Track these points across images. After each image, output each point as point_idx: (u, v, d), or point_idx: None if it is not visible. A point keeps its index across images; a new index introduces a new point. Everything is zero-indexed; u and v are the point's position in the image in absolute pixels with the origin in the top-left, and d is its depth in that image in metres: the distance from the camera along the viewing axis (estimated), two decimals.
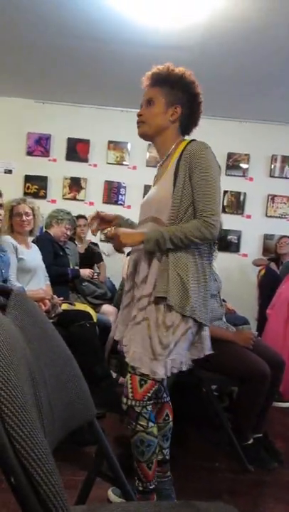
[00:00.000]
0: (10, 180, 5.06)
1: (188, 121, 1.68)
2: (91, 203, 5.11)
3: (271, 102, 4.45)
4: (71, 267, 3.47)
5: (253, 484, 1.99)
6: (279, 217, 5.16)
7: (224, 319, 2.40)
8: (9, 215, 2.78)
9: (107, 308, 3.51)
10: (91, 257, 4.22)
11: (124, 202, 5.17)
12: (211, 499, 1.81)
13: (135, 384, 1.51)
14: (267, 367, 2.06)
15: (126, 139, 5.04)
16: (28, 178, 5.15)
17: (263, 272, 4.45)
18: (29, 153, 5.15)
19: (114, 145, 5.15)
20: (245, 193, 5.15)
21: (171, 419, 1.77)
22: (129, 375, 1.53)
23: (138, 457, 1.54)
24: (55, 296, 2.77)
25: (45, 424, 0.81)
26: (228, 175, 5.07)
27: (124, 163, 5.17)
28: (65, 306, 2.87)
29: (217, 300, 2.33)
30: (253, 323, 4.18)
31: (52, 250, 3.23)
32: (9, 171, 5.16)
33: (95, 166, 5.19)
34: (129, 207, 5.08)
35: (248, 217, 5.17)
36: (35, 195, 4.99)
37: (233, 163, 5.14)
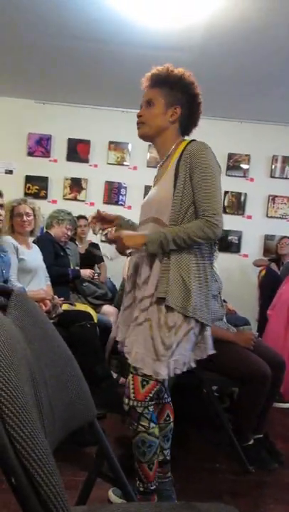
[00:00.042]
0: (10, 180, 5.06)
1: (187, 122, 1.68)
2: (92, 204, 5.11)
3: (272, 102, 4.45)
4: (72, 268, 3.47)
5: (254, 485, 1.99)
6: (280, 217, 5.16)
7: (225, 320, 2.40)
8: (10, 215, 2.78)
9: (108, 308, 3.51)
10: (92, 258, 4.22)
11: (124, 202, 5.17)
12: (211, 500, 1.81)
13: (137, 384, 1.51)
14: (267, 368, 2.06)
15: (126, 139, 5.04)
16: (29, 179, 5.16)
17: (263, 272, 4.44)
18: (30, 153, 5.15)
19: (115, 145, 5.15)
20: (245, 194, 5.15)
21: (172, 419, 1.77)
22: (131, 375, 1.53)
23: (139, 458, 1.54)
24: (55, 296, 2.77)
25: (46, 425, 0.81)
26: (229, 175, 5.07)
27: (125, 163, 5.17)
28: (65, 307, 2.87)
29: (218, 301, 2.33)
30: (254, 323, 4.18)
31: (52, 251, 3.23)
32: (10, 172, 5.16)
33: (96, 166, 5.19)
34: (129, 207, 5.08)
35: (249, 217, 5.17)
36: (36, 196, 4.99)
37: (234, 164, 5.14)
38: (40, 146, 5.15)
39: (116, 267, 4.24)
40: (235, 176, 5.12)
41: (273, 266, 4.55)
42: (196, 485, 1.94)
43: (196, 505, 0.97)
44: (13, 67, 4.23)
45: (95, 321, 2.82)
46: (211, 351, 1.60)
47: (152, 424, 1.53)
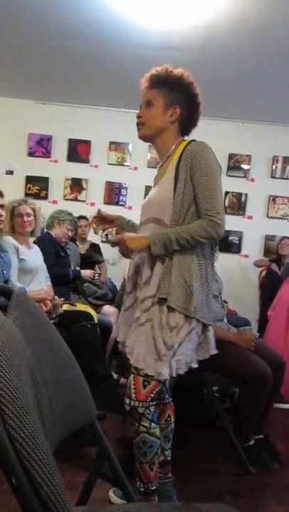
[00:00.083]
0: (11, 181, 5.07)
1: (187, 122, 1.68)
2: (92, 204, 5.12)
3: (272, 102, 4.45)
4: (72, 268, 3.47)
5: (254, 486, 1.99)
6: (280, 218, 5.15)
7: (225, 320, 2.40)
8: (10, 215, 2.78)
9: (108, 309, 3.51)
10: (92, 258, 4.23)
11: (125, 203, 5.17)
12: (212, 500, 1.80)
13: (138, 385, 1.51)
14: (268, 368, 2.06)
15: (127, 139, 5.04)
16: (30, 179, 5.16)
17: (264, 273, 4.44)
18: (30, 154, 5.16)
19: (116, 146, 5.15)
20: (246, 194, 5.15)
21: (172, 420, 1.77)
22: (132, 375, 1.53)
23: (140, 458, 1.54)
24: (56, 296, 2.78)
25: (46, 425, 0.81)
26: (229, 176, 5.07)
27: (126, 163, 5.17)
28: (66, 307, 2.87)
29: (218, 301, 2.33)
30: (254, 324, 4.18)
31: (53, 251, 3.23)
32: (10, 172, 5.17)
33: (96, 166, 5.19)
34: (130, 208, 5.08)
35: (250, 218, 5.17)
36: (37, 196, 5.00)
37: (234, 164, 5.13)
38: (41, 146, 5.15)
39: (116, 268, 4.26)
40: (235, 177, 5.12)
41: (274, 266, 4.54)
42: (196, 485, 1.94)
43: (196, 506, 0.96)
44: (14, 67, 4.23)
45: (96, 321, 2.82)
46: (214, 351, 1.61)
47: (153, 425, 1.53)
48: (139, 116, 1.66)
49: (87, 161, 5.18)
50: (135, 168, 5.17)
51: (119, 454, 1.92)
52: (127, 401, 1.53)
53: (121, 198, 5.18)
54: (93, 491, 1.20)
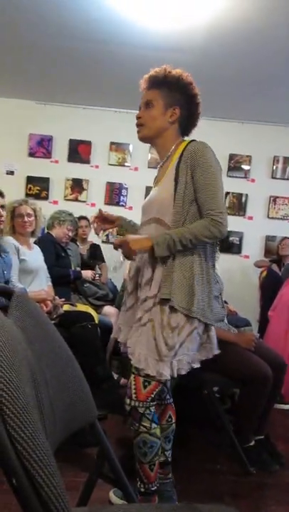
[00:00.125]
0: (12, 181, 5.07)
1: (187, 122, 1.68)
2: (93, 204, 5.12)
3: (273, 103, 4.45)
4: (73, 268, 3.48)
5: (255, 486, 1.98)
6: (281, 218, 5.15)
7: (226, 321, 2.40)
8: (11, 216, 2.78)
9: (109, 309, 3.51)
10: (93, 258, 4.23)
11: (125, 203, 5.17)
12: (212, 501, 1.80)
13: (139, 385, 1.51)
14: (269, 369, 2.06)
15: (128, 140, 5.05)
16: (30, 180, 5.16)
17: (264, 273, 4.44)
18: (31, 154, 5.16)
19: (116, 146, 5.15)
20: (246, 195, 5.15)
21: (174, 421, 1.77)
22: (132, 376, 1.53)
23: (140, 458, 1.54)
24: (56, 297, 2.78)
25: (47, 426, 0.81)
26: (230, 176, 5.07)
27: (126, 164, 5.18)
28: (66, 307, 2.87)
29: (219, 302, 2.33)
30: (255, 324, 4.18)
31: (54, 251, 3.23)
32: (11, 172, 5.17)
33: (97, 167, 5.19)
34: (130, 208, 5.08)
35: (250, 218, 5.17)
36: (37, 197, 5.00)
37: (235, 165, 5.14)
38: (42, 147, 5.16)
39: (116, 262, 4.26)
40: (236, 177, 5.12)
41: (274, 267, 4.54)
42: (197, 486, 1.94)
43: (197, 507, 0.96)
44: (14, 67, 4.24)
45: (96, 321, 2.82)
46: (217, 351, 1.61)
47: (154, 425, 1.53)
48: (138, 118, 1.66)
49: (87, 162, 5.18)
50: (136, 169, 5.17)
51: (119, 455, 1.92)
52: (128, 401, 1.53)
53: (121, 198, 5.18)
54: (94, 491, 1.20)
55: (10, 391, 0.62)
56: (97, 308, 3.40)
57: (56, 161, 5.19)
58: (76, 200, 5.17)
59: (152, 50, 3.40)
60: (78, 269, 3.64)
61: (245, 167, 5.15)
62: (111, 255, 4.35)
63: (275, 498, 1.90)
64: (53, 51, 3.73)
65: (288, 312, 3.23)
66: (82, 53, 3.71)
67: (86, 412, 1.04)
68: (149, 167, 5.06)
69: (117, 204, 5.15)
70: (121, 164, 5.18)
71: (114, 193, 5.18)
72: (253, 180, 5.17)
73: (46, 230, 3.51)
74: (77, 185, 5.18)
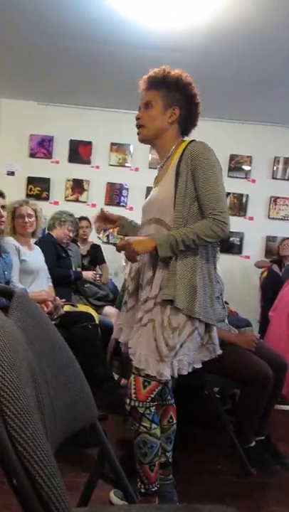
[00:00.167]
0: (12, 181, 5.07)
1: (186, 122, 1.68)
2: (93, 205, 5.12)
3: (273, 103, 4.45)
4: (73, 269, 3.48)
5: (256, 487, 1.98)
6: (281, 219, 5.15)
7: (226, 321, 2.40)
8: (12, 216, 2.78)
9: (109, 309, 3.51)
10: (93, 259, 4.23)
11: (126, 204, 5.17)
12: (213, 502, 1.80)
13: (139, 385, 1.51)
14: (269, 369, 2.06)
15: (128, 140, 5.05)
16: (31, 180, 5.16)
17: (265, 274, 4.44)
18: (32, 155, 5.16)
19: (117, 147, 5.16)
20: (247, 195, 5.15)
21: (175, 421, 1.77)
22: (132, 376, 1.53)
23: (140, 459, 1.54)
24: (57, 297, 2.78)
25: (47, 426, 0.81)
26: (231, 177, 5.07)
27: (127, 165, 5.18)
28: (67, 308, 2.87)
29: (219, 302, 2.33)
30: (256, 325, 4.17)
31: (54, 252, 3.24)
32: (12, 173, 5.17)
33: (98, 167, 5.19)
34: (131, 208, 5.08)
35: (251, 219, 5.17)
36: (38, 197, 5.00)
37: (236, 165, 5.13)
38: (42, 147, 5.16)
39: (117, 268, 4.25)
40: (236, 178, 5.12)
41: (275, 267, 4.54)
42: (197, 487, 1.94)
43: (197, 508, 0.96)
44: (14, 67, 4.24)
45: (97, 322, 2.82)
46: (219, 351, 1.62)
47: (154, 425, 1.53)
48: (138, 118, 1.66)
49: (88, 162, 5.18)
50: (136, 169, 5.17)
51: (120, 455, 1.92)
52: (127, 401, 1.53)
53: (122, 199, 5.18)
54: (94, 492, 1.20)
55: (10, 391, 0.62)
56: (98, 309, 3.40)
57: (57, 162, 5.19)
58: (77, 200, 5.17)
59: (152, 50, 3.40)
60: (79, 269, 3.64)
61: (246, 167, 5.15)
62: (112, 260, 4.34)
63: (276, 499, 1.90)
64: (53, 51, 3.73)
65: None
66: (82, 53, 3.71)
67: (86, 413, 1.04)
68: (149, 167, 5.05)
69: (118, 204, 5.15)
70: (121, 165, 5.18)
71: (115, 194, 5.19)
72: (253, 181, 5.17)
73: (47, 231, 3.51)
74: (77, 186, 5.18)
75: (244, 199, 5.14)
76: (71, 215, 3.51)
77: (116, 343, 2.77)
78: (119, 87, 4.28)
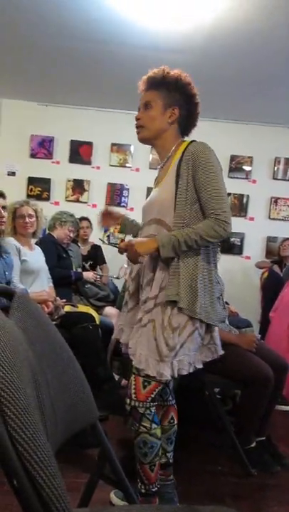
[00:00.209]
0: (13, 182, 5.07)
1: (186, 123, 1.68)
2: (94, 205, 5.12)
3: (274, 103, 4.44)
4: (74, 269, 3.48)
5: (256, 488, 1.98)
6: (282, 219, 5.15)
7: (227, 322, 2.40)
8: (12, 217, 2.78)
9: (110, 310, 3.51)
10: (94, 259, 4.23)
11: (127, 204, 5.17)
12: (213, 503, 1.80)
13: (139, 385, 1.51)
14: (270, 370, 2.06)
15: (129, 141, 5.05)
16: (32, 180, 5.17)
17: (266, 274, 4.43)
18: (32, 155, 5.17)
19: (118, 147, 5.16)
20: (248, 196, 5.15)
21: (176, 422, 1.77)
22: (133, 376, 1.53)
23: (141, 459, 1.54)
24: (58, 298, 2.77)
25: (48, 427, 0.81)
26: (231, 177, 5.07)
27: (127, 165, 5.18)
28: (67, 308, 2.87)
29: (220, 302, 2.32)
30: (256, 325, 4.17)
31: (55, 252, 3.24)
32: (12, 173, 5.18)
33: (98, 168, 5.20)
34: (132, 209, 5.07)
35: (251, 219, 5.17)
36: (39, 197, 5.01)
37: (236, 166, 5.13)
38: (43, 147, 5.16)
39: (118, 268, 4.24)
40: (237, 178, 5.12)
41: (276, 268, 4.54)
42: (198, 487, 1.93)
43: (198, 508, 0.96)
44: (15, 68, 4.24)
45: (97, 322, 2.82)
46: (221, 352, 1.62)
47: (154, 425, 1.53)
48: (137, 119, 1.66)
49: (89, 163, 5.18)
50: (137, 170, 5.17)
51: (120, 456, 1.92)
52: (128, 401, 1.53)
53: (123, 199, 5.18)
54: (95, 492, 1.20)
55: (11, 392, 0.62)
56: (98, 309, 3.40)
57: (57, 162, 5.20)
58: (77, 201, 5.17)
59: (152, 50, 3.40)
60: (79, 270, 3.64)
61: (247, 168, 5.15)
62: (113, 265, 4.32)
63: (276, 499, 1.90)
64: (53, 51, 3.73)
65: None
66: (82, 53, 3.71)
67: (87, 413, 1.04)
68: (150, 168, 5.05)
69: (118, 205, 5.14)
70: (122, 165, 5.18)
71: (116, 194, 5.19)
72: (254, 181, 5.17)
73: (47, 231, 3.51)
74: (78, 186, 5.19)
75: (245, 199, 5.14)
76: (72, 215, 3.51)
77: (116, 344, 2.77)
78: (119, 88, 4.28)
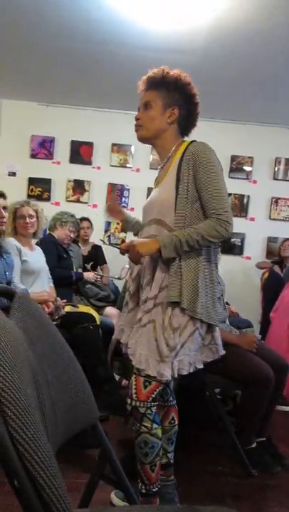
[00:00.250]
0: (14, 182, 5.08)
1: (186, 123, 1.68)
2: (94, 206, 5.13)
3: (275, 104, 4.44)
4: (74, 270, 3.48)
5: (257, 488, 1.98)
6: (283, 220, 5.15)
7: (227, 322, 2.39)
8: (13, 217, 2.78)
9: (110, 310, 3.51)
10: (94, 260, 4.23)
11: (127, 204, 5.17)
12: (214, 503, 1.80)
13: (139, 385, 1.51)
14: (270, 370, 2.05)
15: (129, 141, 5.05)
16: (32, 181, 5.17)
17: (266, 274, 4.43)
18: (33, 155, 5.17)
19: (118, 148, 5.16)
20: (248, 196, 5.14)
21: (176, 422, 1.77)
22: (134, 376, 1.53)
23: (141, 459, 1.54)
24: (58, 298, 2.77)
25: (48, 427, 0.81)
26: (232, 177, 5.07)
27: (128, 165, 5.18)
28: (68, 309, 2.87)
29: (221, 303, 2.32)
30: (257, 326, 4.17)
31: (56, 253, 3.24)
32: (13, 174, 5.18)
33: (99, 168, 5.20)
34: (132, 209, 5.07)
35: (252, 219, 5.17)
36: (39, 198, 5.01)
37: (237, 166, 5.13)
38: (43, 148, 5.16)
39: (119, 269, 4.24)
40: (238, 178, 5.12)
41: (276, 268, 4.54)
42: (198, 488, 1.93)
43: (198, 509, 0.96)
44: (15, 68, 4.24)
45: (98, 322, 2.82)
46: (222, 352, 1.62)
47: (155, 425, 1.53)
48: (137, 119, 1.66)
49: (89, 163, 5.18)
50: (137, 170, 5.17)
51: (121, 456, 1.92)
52: (129, 401, 1.53)
53: (123, 199, 5.18)
54: (95, 492, 1.20)
55: (12, 392, 0.62)
56: (99, 310, 3.40)
57: (58, 163, 5.20)
58: (78, 201, 5.17)
59: (153, 50, 3.40)
60: (80, 270, 3.64)
61: (247, 168, 5.15)
62: (114, 266, 4.32)
63: (277, 500, 1.90)
64: (53, 51, 3.73)
65: None
66: (82, 53, 3.71)
67: (88, 414, 1.04)
68: (150, 168, 5.05)
69: (119, 205, 5.13)
70: (123, 165, 5.18)
71: (116, 194, 5.19)
72: (254, 182, 5.17)
73: (48, 232, 3.51)
74: (78, 187, 5.19)
75: (245, 200, 5.14)
76: (72, 215, 3.51)
77: (117, 344, 2.77)
78: (119, 88, 4.27)
